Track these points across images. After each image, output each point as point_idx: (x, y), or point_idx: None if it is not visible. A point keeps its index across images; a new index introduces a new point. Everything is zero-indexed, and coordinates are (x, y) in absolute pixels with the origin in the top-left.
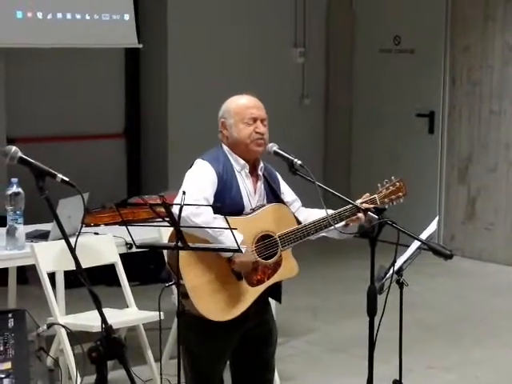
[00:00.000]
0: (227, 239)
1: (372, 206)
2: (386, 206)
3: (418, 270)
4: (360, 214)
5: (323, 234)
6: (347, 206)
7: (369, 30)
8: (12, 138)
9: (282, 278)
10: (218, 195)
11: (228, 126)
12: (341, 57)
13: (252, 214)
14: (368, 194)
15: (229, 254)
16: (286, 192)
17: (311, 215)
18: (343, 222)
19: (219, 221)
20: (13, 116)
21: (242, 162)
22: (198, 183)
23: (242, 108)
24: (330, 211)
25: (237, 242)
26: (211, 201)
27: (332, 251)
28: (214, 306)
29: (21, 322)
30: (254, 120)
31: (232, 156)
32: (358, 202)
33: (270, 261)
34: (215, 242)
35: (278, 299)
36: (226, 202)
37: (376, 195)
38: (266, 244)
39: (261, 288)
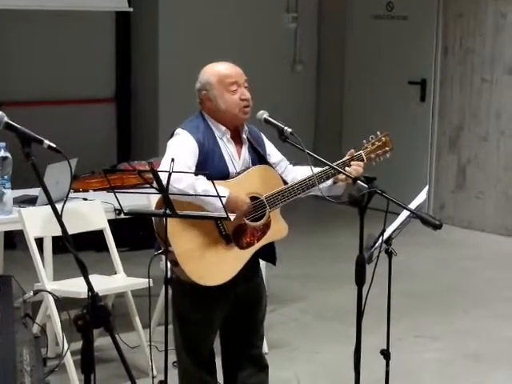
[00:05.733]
0: (213, 199)
1: (360, 164)
2: (373, 163)
3: (406, 240)
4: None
5: (312, 193)
6: (332, 164)
7: None
8: (0, 101)
9: (272, 240)
10: (201, 164)
11: (212, 98)
12: (333, 22)
13: (237, 177)
14: (353, 151)
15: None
16: (273, 153)
17: (298, 174)
18: (331, 181)
19: (202, 181)
20: (1, 80)
21: (223, 128)
22: (179, 153)
23: (222, 77)
24: (316, 170)
25: (224, 207)
26: (193, 169)
27: (322, 219)
28: (204, 270)
29: (7, 288)
30: (238, 85)
31: (212, 123)
32: (343, 160)
33: (258, 223)
34: (201, 204)
35: (273, 261)
36: (211, 170)
37: (362, 151)
38: (254, 206)
39: (251, 250)
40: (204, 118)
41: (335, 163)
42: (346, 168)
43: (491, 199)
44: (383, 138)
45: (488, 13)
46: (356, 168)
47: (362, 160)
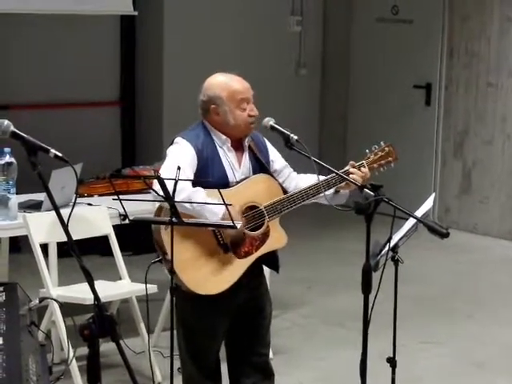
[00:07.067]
0: (209, 212)
1: (361, 171)
2: (376, 172)
3: (411, 244)
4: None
5: (315, 201)
6: (338, 172)
7: None
8: (4, 104)
9: (271, 249)
10: (200, 172)
11: (221, 113)
12: (338, 26)
13: (236, 186)
14: (353, 163)
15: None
16: (276, 159)
17: (301, 182)
18: (333, 190)
19: (200, 193)
20: (5, 83)
21: (223, 137)
22: (177, 163)
23: (233, 94)
24: (321, 178)
25: (232, 217)
26: (191, 178)
27: (326, 223)
28: (201, 280)
29: (12, 296)
30: (247, 102)
31: (213, 132)
32: (346, 169)
33: (257, 232)
34: (198, 215)
35: (276, 269)
36: (210, 178)
37: (364, 161)
38: (253, 215)
39: (249, 260)
40: (205, 127)
41: (340, 171)
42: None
43: (496, 203)
44: (386, 149)
45: (494, 16)
46: (355, 171)
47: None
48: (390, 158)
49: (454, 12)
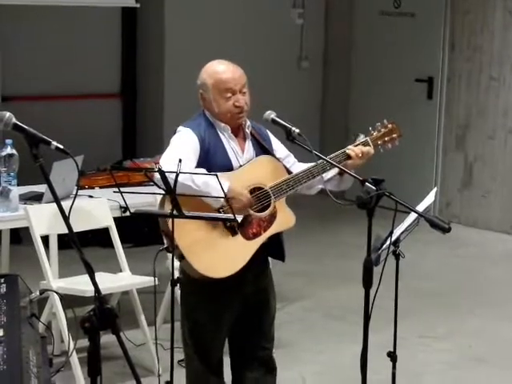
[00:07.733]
0: (213, 190)
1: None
2: (381, 149)
3: (412, 237)
4: (351, 160)
5: (320, 186)
6: (336, 153)
7: None
8: (6, 96)
9: (279, 230)
10: (204, 159)
11: (207, 100)
12: (340, 19)
13: (240, 169)
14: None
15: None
16: (279, 148)
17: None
18: (337, 175)
19: (201, 171)
20: (7, 74)
21: (222, 124)
22: (180, 152)
23: (218, 82)
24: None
25: (233, 211)
26: (194, 165)
27: (327, 217)
28: (211, 262)
29: (13, 288)
30: (233, 92)
31: (214, 120)
32: (349, 147)
33: (263, 213)
34: (202, 195)
35: (282, 258)
36: (214, 164)
37: (368, 137)
38: (258, 196)
39: (258, 241)
40: (205, 115)
41: (341, 150)
42: (348, 151)
43: (497, 198)
44: (389, 125)
45: (496, 10)
46: (353, 149)
47: (369, 145)
48: (394, 135)
49: (456, 5)
